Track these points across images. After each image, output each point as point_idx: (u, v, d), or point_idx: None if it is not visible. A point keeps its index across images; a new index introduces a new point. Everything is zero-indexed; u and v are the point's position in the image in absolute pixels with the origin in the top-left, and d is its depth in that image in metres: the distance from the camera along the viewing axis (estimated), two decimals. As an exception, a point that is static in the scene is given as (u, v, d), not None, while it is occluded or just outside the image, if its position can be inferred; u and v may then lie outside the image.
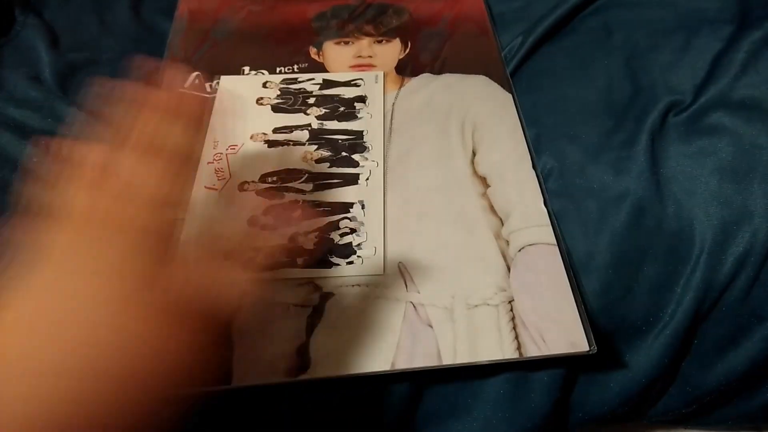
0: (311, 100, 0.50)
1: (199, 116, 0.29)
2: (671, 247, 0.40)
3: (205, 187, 0.44)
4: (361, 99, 0.50)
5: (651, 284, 0.40)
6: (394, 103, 0.50)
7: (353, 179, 0.45)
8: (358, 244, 0.41)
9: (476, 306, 0.38)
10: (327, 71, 0.53)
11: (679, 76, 0.47)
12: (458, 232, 0.41)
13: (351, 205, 0.43)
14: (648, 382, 0.40)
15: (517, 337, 0.36)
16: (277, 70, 0.53)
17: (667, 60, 0.48)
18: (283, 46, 0.55)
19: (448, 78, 0.52)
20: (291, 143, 0.47)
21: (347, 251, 0.40)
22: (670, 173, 0.42)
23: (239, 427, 0.36)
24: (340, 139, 0.47)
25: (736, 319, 0.40)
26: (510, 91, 0.50)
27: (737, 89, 0.45)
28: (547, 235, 0.41)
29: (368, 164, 0.45)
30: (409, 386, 0.38)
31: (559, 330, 0.36)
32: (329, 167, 0.45)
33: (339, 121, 0.49)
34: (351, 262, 0.40)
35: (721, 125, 0.44)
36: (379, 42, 0.56)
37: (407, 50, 0.55)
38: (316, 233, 0.41)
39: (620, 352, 0.40)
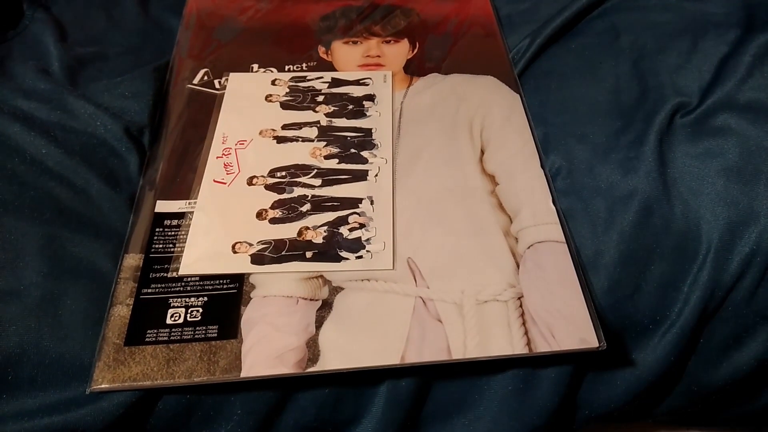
0: (320, 98, 0.50)
1: None
2: (678, 246, 0.41)
3: (214, 180, 0.44)
4: (370, 97, 0.50)
5: (658, 283, 0.40)
6: (402, 102, 0.50)
7: (362, 175, 0.45)
8: (368, 239, 0.41)
9: (486, 302, 0.38)
10: (335, 70, 0.53)
11: (686, 78, 0.48)
12: (467, 229, 0.41)
13: (360, 200, 0.43)
14: (654, 380, 0.40)
15: (526, 333, 0.36)
16: (286, 68, 0.53)
17: (674, 62, 0.49)
18: (291, 44, 0.55)
19: (456, 78, 0.52)
20: (300, 139, 0.47)
21: (356, 246, 0.40)
22: (677, 173, 0.43)
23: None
24: (349, 136, 0.47)
25: (742, 319, 0.41)
26: (518, 92, 0.50)
27: (743, 92, 0.46)
28: (556, 232, 0.41)
29: (377, 161, 0.46)
30: (416, 381, 0.38)
31: (568, 326, 0.36)
32: (338, 163, 0.45)
33: (348, 118, 0.49)
34: (360, 257, 0.40)
35: (727, 127, 0.44)
36: (387, 42, 0.56)
37: (415, 51, 0.55)
38: (325, 227, 0.41)
39: (627, 350, 0.40)
